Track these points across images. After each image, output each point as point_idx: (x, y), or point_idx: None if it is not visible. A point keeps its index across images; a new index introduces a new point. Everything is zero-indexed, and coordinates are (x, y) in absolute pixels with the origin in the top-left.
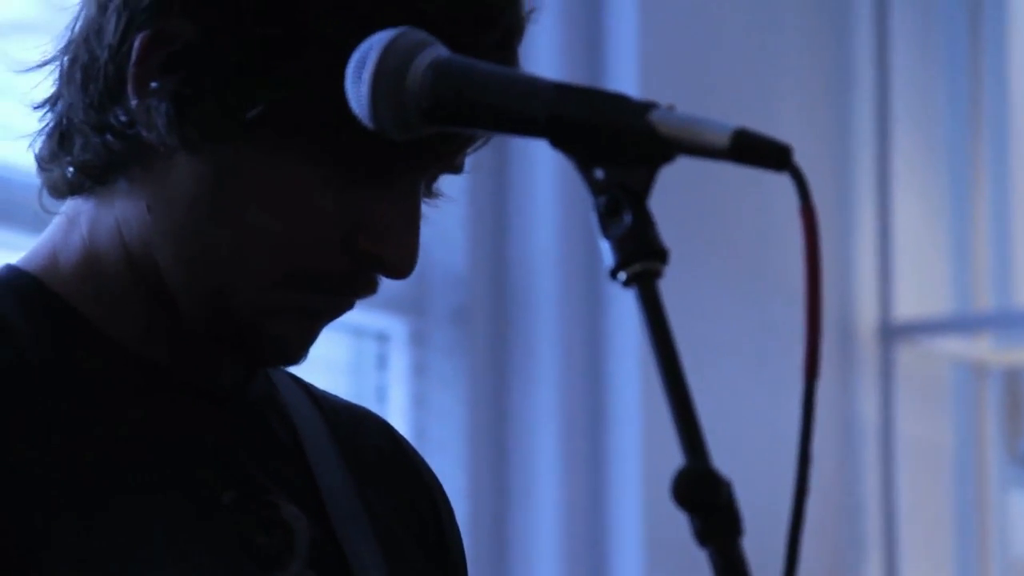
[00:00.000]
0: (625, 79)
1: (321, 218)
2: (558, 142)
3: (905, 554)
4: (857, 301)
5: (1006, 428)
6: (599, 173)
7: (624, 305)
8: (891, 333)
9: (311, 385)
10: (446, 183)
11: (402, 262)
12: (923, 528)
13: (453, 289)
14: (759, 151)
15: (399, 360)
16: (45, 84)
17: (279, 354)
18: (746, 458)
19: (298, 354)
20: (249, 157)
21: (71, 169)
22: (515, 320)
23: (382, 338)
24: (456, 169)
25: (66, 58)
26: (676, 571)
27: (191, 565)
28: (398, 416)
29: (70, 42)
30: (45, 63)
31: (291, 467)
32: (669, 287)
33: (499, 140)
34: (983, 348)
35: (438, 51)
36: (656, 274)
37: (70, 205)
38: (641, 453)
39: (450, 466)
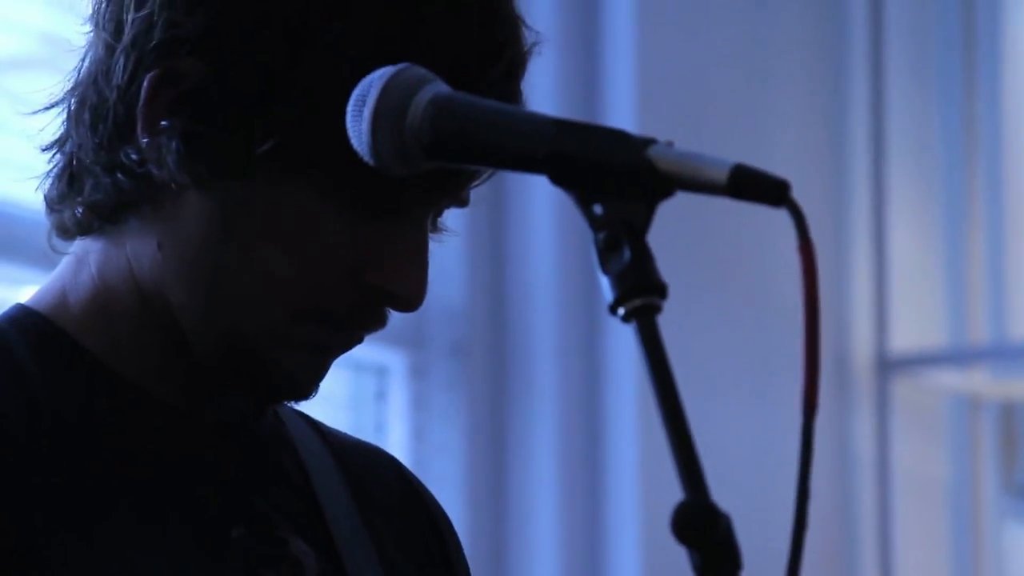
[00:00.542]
0: (622, 114)
1: (330, 253)
2: (558, 178)
3: None
4: (853, 334)
5: (1002, 460)
6: (598, 209)
7: (622, 339)
8: (887, 366)
9: (319, 423)
10: (445, 217)
11: (411, 295)
12: (919, 560)
13: (452, 323)
14: (757, 187)
15: (398, 394)
16: (52, 125)
17: (290, 389)
18: (744, 492)
19: (309, 389)
20: (258, 194)
21: (81, 209)
22: (514, 354)
23: (381, 372)
24: (462, 203)
25: (74, 99)
26: None
27: None
28: (398, 450)
29: (77, 83)
30: (52, 105)
31: (300, 503)
32: (667, 322)
33: (498, 175)
34: (979, 381)
35: (438, 87)
36: (655, 309)
37: (79, 245)
38: (639, 485)
39: (449, 499)
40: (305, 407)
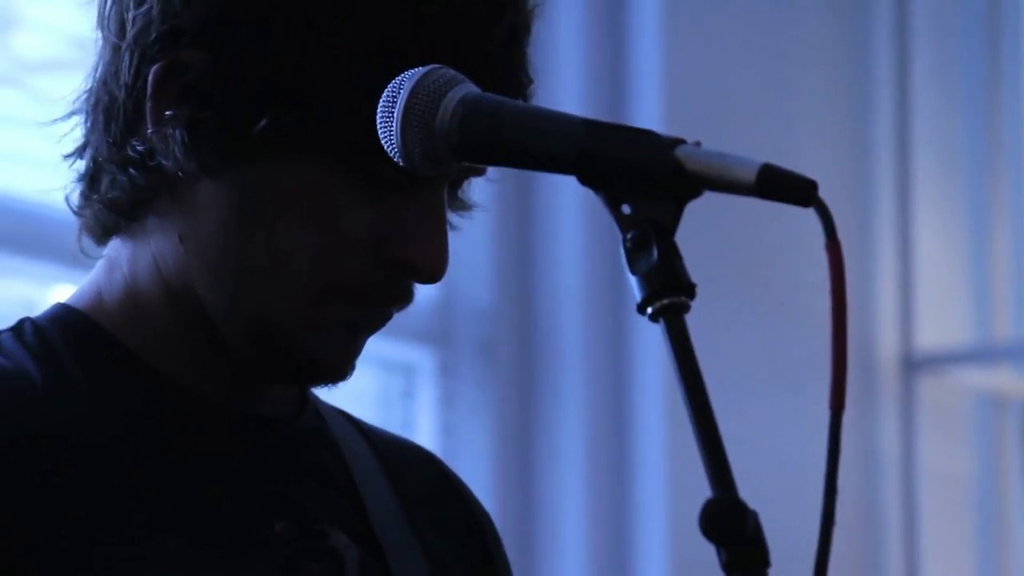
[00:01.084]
0: (648, 116)
1: (348, 230)
2: (586, 178)
3: None
4: (878, 333)
5: None
6: (627, 208)
7: (648, 336)
8: (912, 365)
9: (360, 420)
10: (472, 218)
11: (432, 266)
12: (945, 559)
13: (479, 321)
14: (785, 187)
15: (426, 392)
16: (77, 131)
17: (324, 371)
18: (771, 490)
19: (343, 369)
20: (271, 177)
21: (101, 209)
22: (541, 351)
23: (409, 370)
24: (479, 173)
25: (88, 103)
26: None
27: None
28: (426, 447)
29: (91, 89)
30: (72, 113)
31: (341, 497)
32: (694, 321)
33: (525, 173)
34: (1004, 379)
35: (468, 88)
36: (683, 308)
37: (112, 246)
38: (666, 482)
39: (478, 496)
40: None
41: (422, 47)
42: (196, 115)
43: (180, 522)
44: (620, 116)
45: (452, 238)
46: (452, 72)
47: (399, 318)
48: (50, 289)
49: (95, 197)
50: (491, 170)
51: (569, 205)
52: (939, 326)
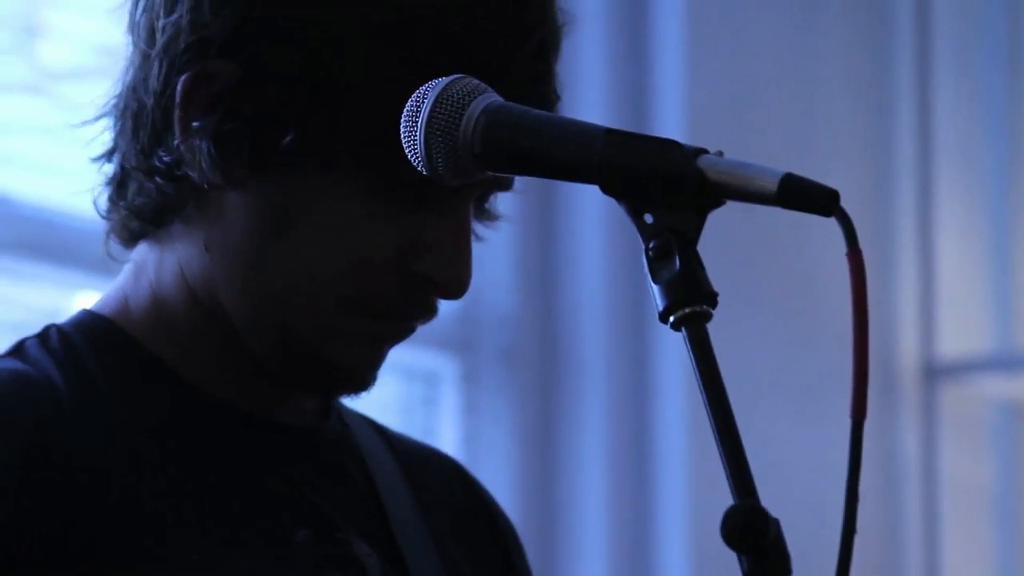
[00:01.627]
0: (670, 125)
1: (372, 243)
2: (609, 187)
3: None
4: (899, 341)
5: None
6: (649, 218)
7: (670, 344)
8: (933, 373)
9: (384, 427)
10: (495, 228)
11: (455, 282)
12: (966, 567)
13: (502, 329)
14: (807, 196)
15: (448, 399)
16: (105, 136)
17: (347, 381)
18: (792, 497)
19: (365, 380)
20: (297, 189)
21: (127, 215)
22: (563, 359)
23: (431, 378)
24: (506, 187)
25: (117, 109)
26: None
27: None
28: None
29: (120, 93)
30: (100, 116)
31: (363, 506)
32: (716, 329)
33: (547, 182)
34: None
35: (491, 98)
36: (705, 317)
37: (138, 251)
38: (687, 490)
39: (500, 502)
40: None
41: (451, 62)
42: (223, 126)
43: (204, 529)
44: (642, 126)
45: (475, 246)
46: (476, 82)
47: (421, 326)
48: (74, 296)
49: (122, 203)
50: (515, 180)
51: (591, 213)
52: (960, 334)
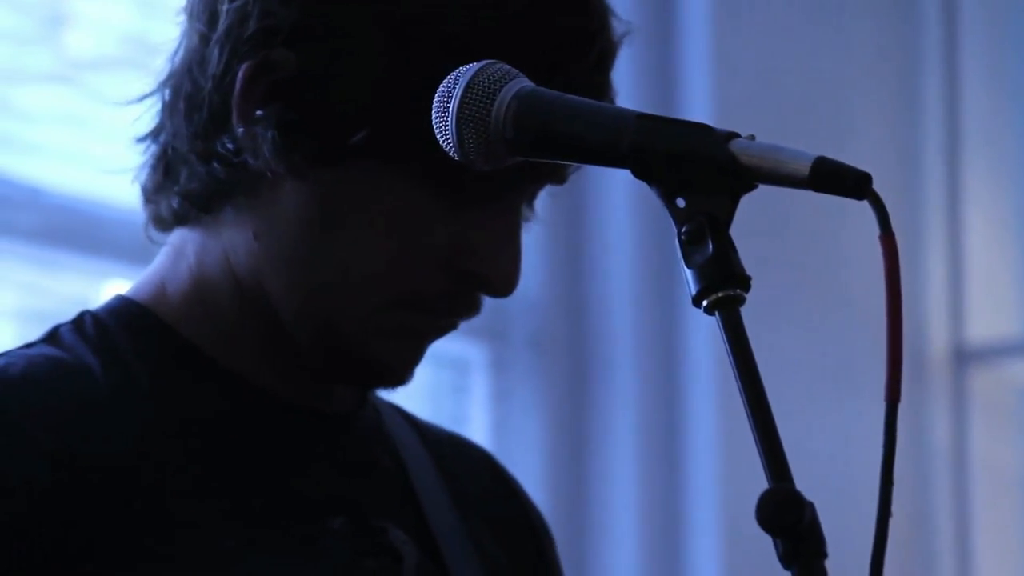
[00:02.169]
0: (698, 110)
1: (425, 241)
2: (641, 172)
3: None
4: (929, 326)
5: None
6: (681, 202)
7: (700, 330)
8: (963, 357)
9: (414, 416)
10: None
11: (505, 281)
12: (997, 550)
13: (531, 315)
14: (839, 180)
15: (478, 386)
16: (145, 119)
17: (386, 376)
18: (825, 482)
19: (404, 375)
20: (353, 182)
21: (177, 199)
22: (593, 345)
23: (461, 365)
24: (560, 181)
25: (168, 90)
26: None
27: None
28: (478, 442)
29: (171, 74)
30: (146, 96)
31: (397, 494)
32: (748, 314)
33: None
34: None
35: (522, 83)
36: (738, 301)
37: (177, 235)
38: (718, 475)
39: (530, 490)
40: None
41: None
42: (287, 117)
43: (241, 515)
44: (670, 111)
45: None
46: (507, 67)
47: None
48: (102, 284)
49: (173, 187)
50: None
51: (620, 199)
52: (990, 318)
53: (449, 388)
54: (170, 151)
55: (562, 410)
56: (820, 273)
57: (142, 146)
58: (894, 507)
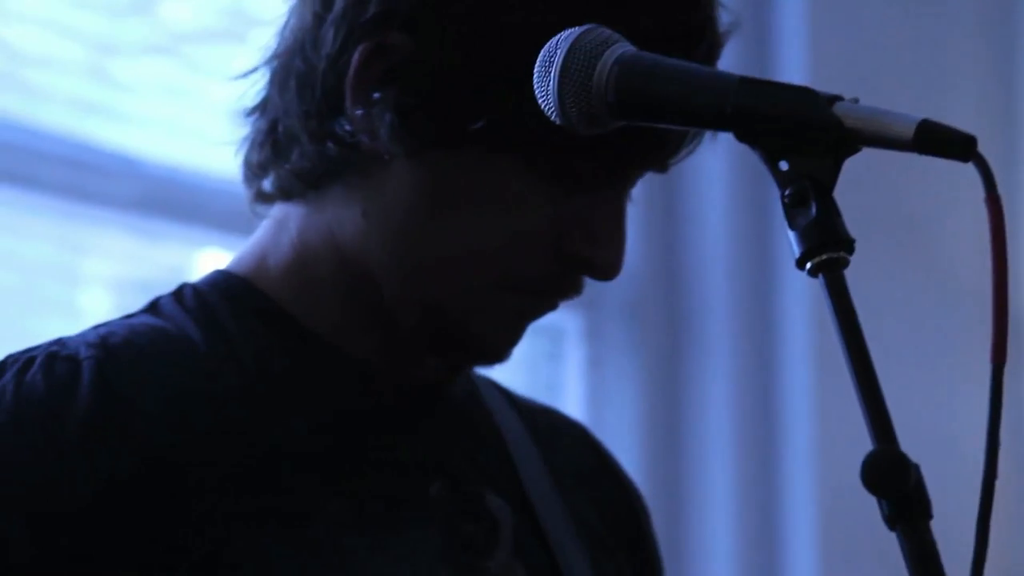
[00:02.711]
0: (795, 72)
1: (533, 224)
2: (744, 135)
3: None
4: None
5: None
6: (784, 165)
7: (795, 296)
8: None
9: (510, 390)
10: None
11: (611, 263)
12: None
13: (626, 284)
14: (944, 142)
15: (573, 355)
16: (244, 93)
17: (486, 354)
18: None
19: (504, 354)
20: (466, 165)
21: (286, 176)
22: (688, 313)
23: (556, 333)
24: (663, 168)
25: (276, 66)
26: (850, 562)
27: (400, 553)
28: (572, 410)
29: (280, 51)
30: (251, 72)
31: (494, 460)
32: (850, 275)
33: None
34: None
35: (624, 47)
36: (842, 263)
37: (279, 209)
38: (814, 441)
39: (625, 458)
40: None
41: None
42: (403, 100)
43: (344, 480)
44: (766, 75)
45: None
46: (608, 31)
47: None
48: (199, 253)
49: (282, 163)
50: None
51: (715, 167)
52: None
53: (544, 356)
54: (280, 128)
55: (656, 378)
56: (924, 235)
57: (243, 120)
58: (999, 469)
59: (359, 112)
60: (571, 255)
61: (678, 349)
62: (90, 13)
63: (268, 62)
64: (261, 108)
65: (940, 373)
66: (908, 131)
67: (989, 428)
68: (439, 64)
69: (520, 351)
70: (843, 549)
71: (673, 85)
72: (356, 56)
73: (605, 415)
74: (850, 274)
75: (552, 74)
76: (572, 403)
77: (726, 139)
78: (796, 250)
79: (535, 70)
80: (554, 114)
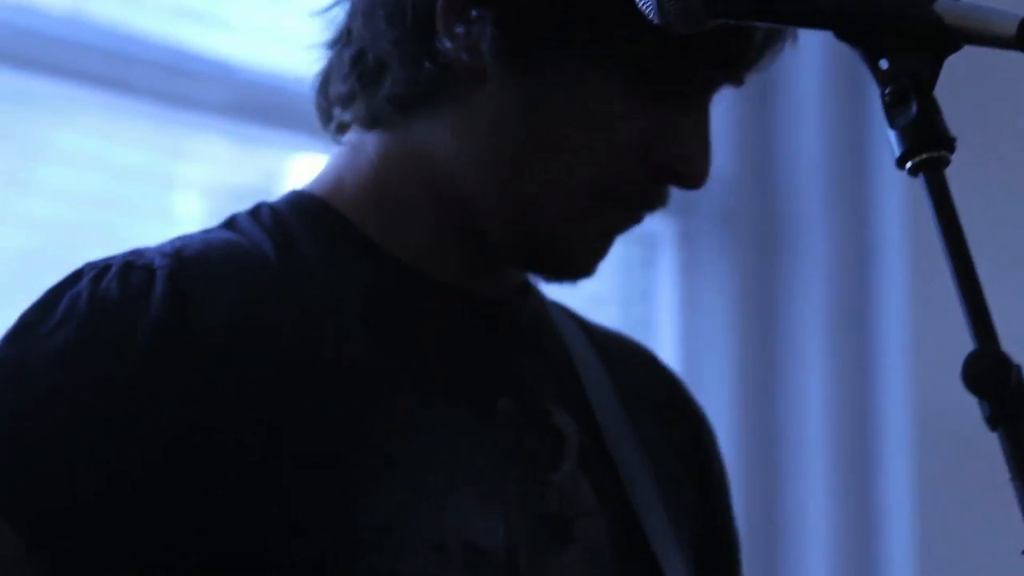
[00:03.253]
0: None
1: (624, 135)
2: (844, 33)
3: None
4: None
5: None
6: (884, 63)
7: (891, 201)
8: None
9: (578, 314)
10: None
11: (697, 172)
12: None
13: (721, 190)
14: None
15: (667, 261)
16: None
17: (575, 268)
18: None
19: (591, 267)
20: (563, 78)
21: (380, 103)
22: (782, 219)
23: (650, 239)
24: (740, 81)
25: None
26: (946, 467)
27: (468, 466)
28: (666, 318)
29: None
30: (333, 5)
31: (562, 379)
32: (951, 175)
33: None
34: None
35: None
36: (943, 162)
37: (355, 135)
38: (910, 344)
39: (718, 364)
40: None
41: None
42: (504, 13)
43: (417, 391)
44: None
45: None
46: None
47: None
48: (292, 159)
49: (376, 91)
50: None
51: (810, 70)
52: None
53: (638, 262)
54: (369, 56)
55: (751, 284)
56: (1021, 133)
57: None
58: None
59: (459, 30)
60: (660, 166)
61: (772, 254)
62: None
63: None
64: (344, 39)
65: None
66: (1010, 28)
67: None
68: None
69: (614, 257)
70: (941, 454)
71: None
72: None
73: (698, 321)
74: (953, 171)
75: None
76: (665, 309)
77: (819, 41)
78: (896, 150)
79: None
80: (652, 11)
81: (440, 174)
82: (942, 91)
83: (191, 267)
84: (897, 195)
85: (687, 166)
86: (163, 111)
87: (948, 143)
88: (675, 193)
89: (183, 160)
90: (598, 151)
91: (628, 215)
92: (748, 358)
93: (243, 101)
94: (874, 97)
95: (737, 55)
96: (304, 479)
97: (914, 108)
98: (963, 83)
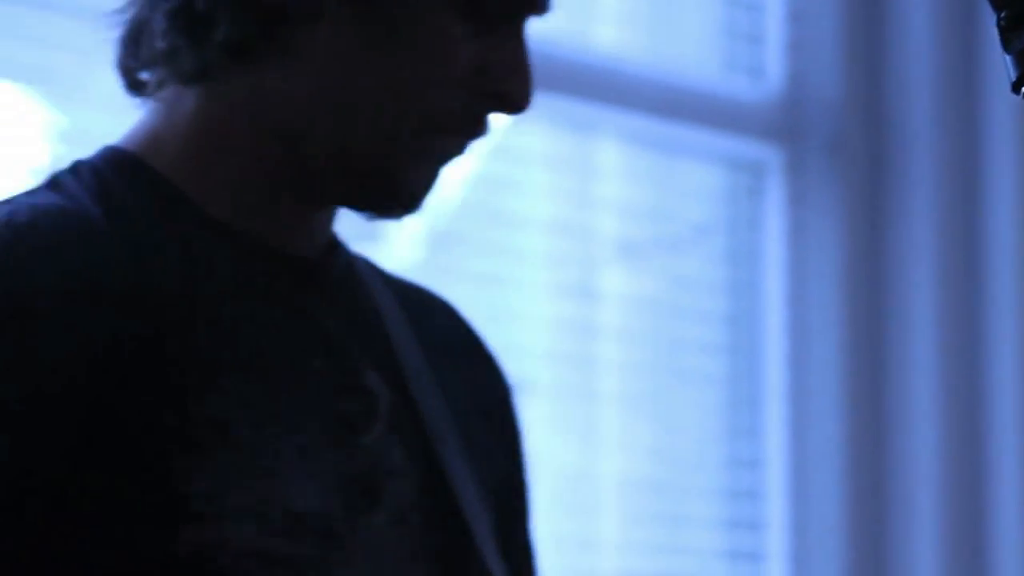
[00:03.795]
0: None
1: (453, 64)
2: None
3: None
4: None
5: None
6: None
7: (1001, 126)
8: None
9: (381, 266)
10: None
11: (523, 95)
12: None
13: (829, 117)
14: None
15: (774, 189)
16: None
17: (408, 202)
18: None
19: (419, 200)
20: (391, 10)
21: (212, 53)
22: (891, 146)
23: (757, 167)
24: (542, 10)
25: None
26: None
27: (286, 432)
28: (774, 247)
29: None
30: None
31: (372, 338)
32: None
33: None
34: None
35: None
36: None
37: (170, 92)
38: (1021, 273)
39: (827, 294)
40: (681, 202)
41: None
42: None
43: (229, 356)
44: None
45: (800, 30)
46: None
47: (747, 114)
48: None
49: (209, 42)
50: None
51: None
52: None
53: (745, 191)
54: (198, 6)
55: (859, 213)
56: None
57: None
58: None
59: None
60: (488, 91)
61: (881, 183)
62: None
63: None
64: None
65: None
66: None
67: None
68: None
69: (721, 185)
70: None
71: None
72: None
73: (806, 252)
74: None
75: None
76: (772, 239)
77: None
78: (1012, 74)
79: None
80: None
81: (266, 120)
82: None
83: (25, 238)
84: (1009, 121)
85: (514, 89)
86: None
87: None
88: (782, 121)
89: None
90: (428, 79)
91: (457, 142)
92: (857, 285)
93: None
94: (985, 21)
95: None
96: (131, 453)
97: None
98: None
